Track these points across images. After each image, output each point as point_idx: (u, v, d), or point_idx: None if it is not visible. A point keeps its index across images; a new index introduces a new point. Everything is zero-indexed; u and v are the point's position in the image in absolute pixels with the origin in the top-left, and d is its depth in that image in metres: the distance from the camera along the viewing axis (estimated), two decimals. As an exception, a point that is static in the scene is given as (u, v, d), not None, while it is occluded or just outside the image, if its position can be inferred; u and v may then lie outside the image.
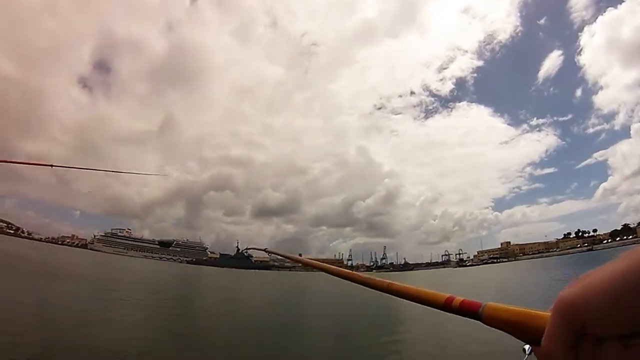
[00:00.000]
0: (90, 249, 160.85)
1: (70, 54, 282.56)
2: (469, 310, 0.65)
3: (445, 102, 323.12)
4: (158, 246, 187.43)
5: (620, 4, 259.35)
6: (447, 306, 0.70)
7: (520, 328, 0.54)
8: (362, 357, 10.92)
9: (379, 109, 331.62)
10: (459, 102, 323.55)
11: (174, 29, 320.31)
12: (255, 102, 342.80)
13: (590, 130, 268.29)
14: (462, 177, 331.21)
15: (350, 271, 1.22)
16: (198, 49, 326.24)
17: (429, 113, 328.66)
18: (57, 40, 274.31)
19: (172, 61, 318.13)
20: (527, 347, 0.55)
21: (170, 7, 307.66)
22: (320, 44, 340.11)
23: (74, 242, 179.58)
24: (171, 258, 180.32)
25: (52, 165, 5.73)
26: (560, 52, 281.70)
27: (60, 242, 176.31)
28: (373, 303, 19.84)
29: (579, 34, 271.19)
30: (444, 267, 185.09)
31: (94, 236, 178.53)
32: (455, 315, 0.64)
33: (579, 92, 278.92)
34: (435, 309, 0.71)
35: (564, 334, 0.39)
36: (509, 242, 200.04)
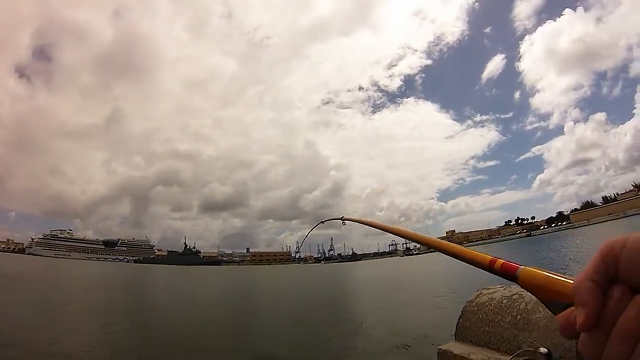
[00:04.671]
0: (29, 254, 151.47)
1: (8, 39, 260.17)
2: (507, 273, 0.69)
3: (393, 98, 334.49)
4: (103, 246, 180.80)
5: (560, 16, 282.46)
6: (490, 268, 0.76)
7: (551, 291, 0.54)
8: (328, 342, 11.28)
9: (327, 103, 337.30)
10: (407, 98, 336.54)
11: (122, 16, 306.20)
12: (207, 95, 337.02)
13: (529, 128, 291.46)
14: (409, 170, 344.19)
15: (415, 233, 1.31)
16: (148, 40, 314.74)
17: (377, 108, 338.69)
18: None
19: (120, 51, 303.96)
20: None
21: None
22: (273, 37, 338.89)
23: (9, 247, 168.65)
24: (117, 258, 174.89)
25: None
26: (502, 56, 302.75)
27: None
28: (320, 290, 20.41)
29: (520, 42, 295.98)
30: (391, 257, 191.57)
31: (32, 239, 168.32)
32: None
33: (518, 94, 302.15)
34: (481, 270, 0.78)
35: (598, 271, 0.41)
36: (454, 231, 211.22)
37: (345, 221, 2.34)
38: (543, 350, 1.47)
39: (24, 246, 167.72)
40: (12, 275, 37.50)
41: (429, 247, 1.20)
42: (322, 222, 2.98)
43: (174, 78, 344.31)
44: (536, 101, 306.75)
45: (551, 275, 0.57)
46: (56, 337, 11.07)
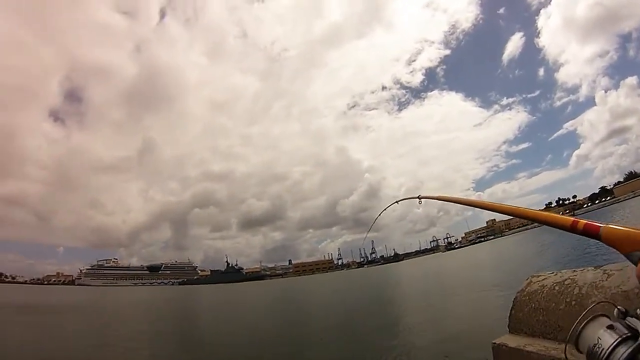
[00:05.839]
0: (78, 284, 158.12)
1: (39, 88, 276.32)
2: (591, 232, 0.76)
3: (417, 93, 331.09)
4: (147, 271, 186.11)
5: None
6: (573, 228, 0.84)
7: (631, 243, 0.62)
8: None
9: (352, 107, 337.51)
10: (430, 91, 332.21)
11: (142, 50, 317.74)
12: (233, 114, 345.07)
13: (558, 104, 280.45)
14: (441, 163, 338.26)
15: (492, 202, 1.45)
16: (170, 69, 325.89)
17: (402, 105, 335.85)
18: (24, 76, 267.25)
19: (144, 84, 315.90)
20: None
21: (137, 29, 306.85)
22: (290, 49, 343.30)
23: (60, 280, 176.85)
24: (162, 282, 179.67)
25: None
26: (520, 34, 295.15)
27: (45, 282, 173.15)
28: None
29: (536, 17, 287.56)
30: (434, 253, 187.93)
31: (80, 271, 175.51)
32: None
33: (542, 71, 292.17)
34: (564, 231, 0.88)
35: None
36: (494, 220, 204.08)
37: (422, 199, 2.36)
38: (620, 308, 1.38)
39: (74, 278, 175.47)
40: (66, 305, 39.12)
41: (507, 214, 1.20)
42: (396, 202, 3.03)
43: (198, 102, 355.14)
44: (562, 75, 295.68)
45: (631, 229, 0.63)
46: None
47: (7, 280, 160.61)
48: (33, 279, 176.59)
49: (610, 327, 1.01)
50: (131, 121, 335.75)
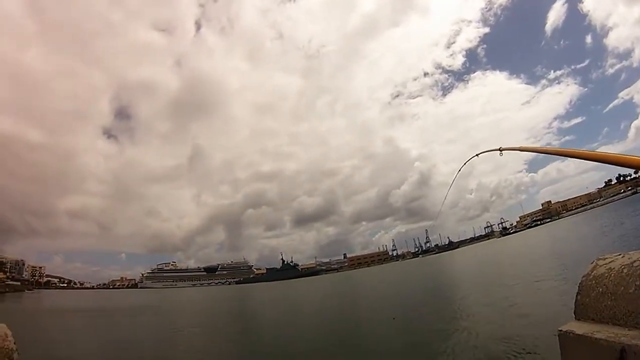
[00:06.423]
0: (141, 287, 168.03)
1: (91, 110, 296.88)
2: None
3: (459, 76, 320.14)
4: (204, 273, 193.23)
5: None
6: None
7: None
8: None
9: (396, 96, 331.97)
10: (473, 73, 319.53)
11: (182, 63, 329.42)
12: (278, 114, 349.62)
13: (610, 72, 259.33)
14: (490, 146, 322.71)
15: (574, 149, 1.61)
16: (211, 77, 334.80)
17: (445, 90, 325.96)
18: (76, 100, 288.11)
19: (188, 94, 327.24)
20: None
21: (176, 43, 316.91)
22: (328, 44, 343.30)
23: (124, 284, 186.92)
24: (219, 282, 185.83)
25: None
26: (562, 1, 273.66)
27: (111, 286, 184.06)
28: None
29: None
30: (488, 239, 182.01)
31: (142, 274, 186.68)
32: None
33: (589, 38, 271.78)
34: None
35: None
36: (550, 202, 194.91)
37: (504, 151, 2.34)
38: None
39: (136, 281, 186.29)
40: (135, 307, 41.73)
41: (596, 161, 1.20)
42: (477, 155, 3.05)
43: (243, 106, 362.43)
44: (611, 40, 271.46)
45: None
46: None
47: (76, 286, 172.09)
48: (99, 284, 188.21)
49: None
50: (179, 131, 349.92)
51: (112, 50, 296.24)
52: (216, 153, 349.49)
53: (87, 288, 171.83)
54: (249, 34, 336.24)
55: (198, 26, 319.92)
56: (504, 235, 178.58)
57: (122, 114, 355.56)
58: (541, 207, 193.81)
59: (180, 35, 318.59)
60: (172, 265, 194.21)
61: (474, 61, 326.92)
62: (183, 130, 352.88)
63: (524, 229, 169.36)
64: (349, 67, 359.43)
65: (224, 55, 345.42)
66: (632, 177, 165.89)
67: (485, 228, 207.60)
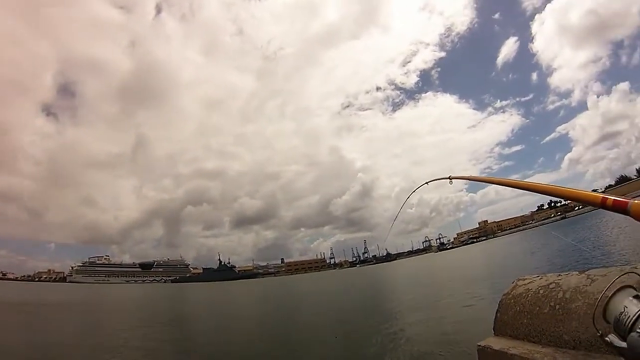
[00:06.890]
0: (70, 282, 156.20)
1: (33, 82, 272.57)
2: (619, 207, 0.83)
3: (411, 94, 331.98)
4: (139, 269, 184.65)
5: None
6: (603, 205, 0.91)
7: None
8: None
9: (347, 107, 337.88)
10: (425, 92, 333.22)
11: (137, 45, 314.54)
12: (227, 112, 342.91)
13: (551, 107, 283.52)
14: (434, 164, 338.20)
15: (521, 181, 1.56)
16: (164, 65, 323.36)
17: (396, 106, 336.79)
18: (17, 69, 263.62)
19: (138, 79, 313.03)
20: None
21: (133, 24, 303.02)
22: (286, 47, 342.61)
23: (51, 277, 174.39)
24: (154, 279, 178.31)
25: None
26: (514, 39, 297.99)
27: (37, 279, 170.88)
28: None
29: (531, 22, 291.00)
30: (426, 253, 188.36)
31: (72, 268, 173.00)
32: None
33: (535, 75, 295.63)
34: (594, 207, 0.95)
35: None
36: (487, 221, 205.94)
37: (453, 180, 2.41)
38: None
39: (65, 275, 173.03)
40: (57, 303, 38.76)
41: (536, 192, 1.28)
42: (426, 183, 3.08)
43: (193, 100, 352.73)
44: (555, 80, 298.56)
45: None
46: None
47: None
48: (24, 276, 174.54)
49: (636, 297, 1.10)
50: (124, 117, 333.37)
51: (65, 20, 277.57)
52: (161, 144, 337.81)
53: (10, 279, 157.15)
54: (210, 26, 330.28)
55: (159, 9, 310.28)
56: (441, 250, 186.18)
57: (66, 90, 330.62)
58: (478, 226, 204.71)
59: (140, 15, 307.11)
60: (105, 259, 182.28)
61: (426, 82, 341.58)
62: (129, 116, 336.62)
63: (461, 245, 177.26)
64: (303, 73, 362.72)
65: (181, 44, 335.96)
66: (562, 203, 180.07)
67: (423, 242, 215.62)
